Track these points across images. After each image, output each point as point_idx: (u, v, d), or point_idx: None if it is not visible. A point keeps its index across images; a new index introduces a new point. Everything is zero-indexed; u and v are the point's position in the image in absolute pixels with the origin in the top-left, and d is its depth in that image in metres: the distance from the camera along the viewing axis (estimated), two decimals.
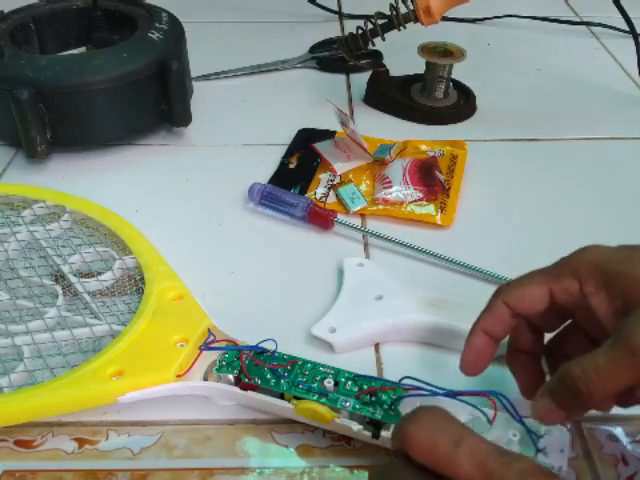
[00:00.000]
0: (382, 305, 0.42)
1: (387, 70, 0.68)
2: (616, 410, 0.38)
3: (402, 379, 0.36)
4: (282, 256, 0.49)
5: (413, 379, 0.36)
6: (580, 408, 0.32)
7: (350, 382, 0.36)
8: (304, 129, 0.62)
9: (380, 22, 0.62)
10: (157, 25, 0.60)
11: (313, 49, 0.75)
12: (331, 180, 0.55)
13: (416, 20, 0.60)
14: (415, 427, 0.28)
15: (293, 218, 0.52)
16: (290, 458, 0.36)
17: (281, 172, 0.57)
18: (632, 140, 0.62)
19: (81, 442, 0.37)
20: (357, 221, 0.52)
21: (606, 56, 0.77)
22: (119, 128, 0.58)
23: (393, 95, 0.66)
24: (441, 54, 0.64)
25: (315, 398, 0.36)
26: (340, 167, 0.56)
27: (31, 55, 0.58)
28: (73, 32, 0.67)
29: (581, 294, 0.33)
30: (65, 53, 0.67)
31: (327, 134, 0.61)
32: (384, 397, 0.35)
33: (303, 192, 0.54)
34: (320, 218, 0.51)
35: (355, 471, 0.36)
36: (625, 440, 0.37)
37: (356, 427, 0.35)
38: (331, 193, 0.54)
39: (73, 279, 0.44)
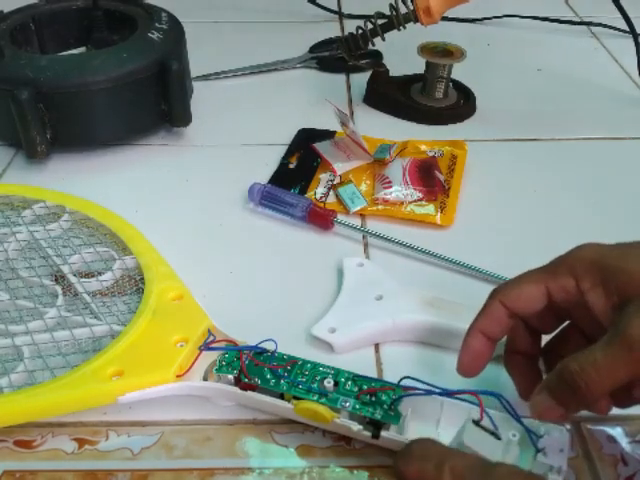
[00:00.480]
0: (382, 305, 0.42)
1: (387, 70, 0.68)
2: (616, 410, 0.38)
3: (402, 379, 0.36)
4: (282, 256, 0.49)
5: (413, 379, 0.36)
6: (578, 404, 0.32)
7: (350, 382, 0.36)
8: (304, 129, 0.62)
9: (380, 22, 0.62)
10: (157, 25, 0.60)
11: (313, 49, 0.75)
12: (331, 180, 0.55)
13: (416, 20, 0.60)
14: (404, 461, 0.31)
15: (293, 218, 0.52)
16: (290, 458, 0.36)
17: (281, 172, 0.57)
18: (632, 140, 0.62)
19: (81, 442, 0.37)
20: (357, 221, 0.52)
21: (606, 56, 0.77)
22: (119, 128, 0.58)
23: (393, 95, 0.66)
24: (441, 54, 0.64)
25: (315, 398, 0.36)
26: (340, 167, 0.56)
27: (31, 55, 0.58)
28: (73, 32, 0.67)
29: (578, 291, 0.33)
30: (65, 53, 0.66)
31: (327, 134, 0.61)
32: (384, 397, 0.35)
33: (303, 192, 0.54)
34: (320, 218, 0.51)
35: (355, 471, 0.36)
36: (625, 440, 0.37)
37: (356, 427, 0.35)
38: (331, 193, 0.54)
39: (73, 279, 0.44)
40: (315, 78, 0.72)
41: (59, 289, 0.44)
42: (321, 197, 0.54)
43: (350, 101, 0.68)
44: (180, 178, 0.57)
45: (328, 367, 0.37)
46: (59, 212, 0.50)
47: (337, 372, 0.37)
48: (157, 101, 0.58)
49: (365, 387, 0.36)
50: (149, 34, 0.58)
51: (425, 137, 0.60)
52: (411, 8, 0.60)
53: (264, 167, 0.57)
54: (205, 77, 0.71)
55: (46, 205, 0.50)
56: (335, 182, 0.55)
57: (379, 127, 0.63)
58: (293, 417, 0.37)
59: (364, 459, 0.36)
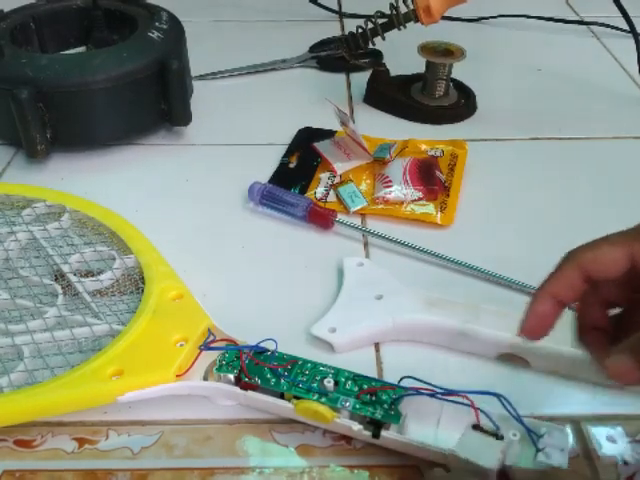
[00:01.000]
0: (382, 305, 0.42)
1: (387, 70, 0.68)
2: (616, 410, 0.38)
3: (402, 378, 0.36)
4: (282, 256, 0.49)
5: (413, 379, 0.36)
6: None
7: (350, 382, 0.36)
8: (304, 129, 0.62)
9: (380, 21, 0.62)
10: (157, 24, 0.60)
11: (313, 48, 0.75)
12: (331, 180, 0.55)
13: (416, 19, 0.60)
14: None
15: (293, 218, 0.52)
16: (290, 458, 0.36)
17: (281, 172, 0.57)
18: (632, 139, 0.62)
19: (81, 442, 0.37)
20: (357, 221, 0.52)
21: (606, 56, 0.77)
22: (119, 128, 0.58)
23: (393, 95, 0.66)
24: (441, 54, 0.64)
25: (315, 398, 0.36)
26: (340, 167, 0.56)
27: (31, 54, 0.58)
28: (73, 31, 0.67)
29: None
30: (65, 52, 0.66)
31: (327, 134, 0.61)
32: (384, 397, 0.35)
33: (303, 192, 0.54)
34: (320, 218, 0.51)
35: (355, 471, 0.36)
36: (625, 440, 0.37)
37: (356, 427, 0.35)
38: (331, 193, 0.54)
39: (73, 278, 0.44)
40: (315, 77, 0.72)
41: (59, 288, 0.44)
42: (321, 197, 0.54)
43: (350, 100, 0.68)
44: (180, 178, 0.57)
45: (328, 367, 0.37)
46: (59, 211, 0.50)
47: (337, 372, 0.37)
48: (157, 100, 0.58)
49: (365, 387, 0.36)
50: (149, 33, 0.58)
51: (425, 137, 0.60)
52: (411, 7, 0.60)
53: (264, 167, 0.57)
54: (205, 76, 0.71)
55: (46, 204, 0.50)
56: (335, 182, 0.55)
57: (379, 126, 0.63)
58: (293, 417, 0.37)
59: (364, 459, 0.36)
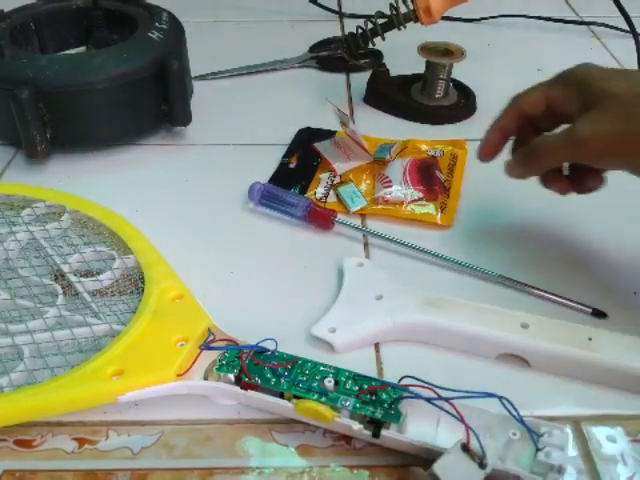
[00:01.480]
0: (382, 305, 0.42)
1: (387, 70, 0.68)
2: (616, 410, 0.38)
3: (402, 378, 0.36)
4: (282, 256, 0.49)
5: (413, 378, 0.36)
6: (533, 168, 0.44)
7: (350, 381, 0.36)
8: (304, 129, 0.62)
9: (380, 22, 0.62)
10: (157, 25, 0.60)
11: (313, 48, 0.75)
12: (331, 180, 0.55)
13: (416, 20, 0.60)
14: None
15: (293, 218, 0.52)
16: (290, 458, 0.36)
17: (281, 172, 0.57)
18: None
19: (81, 442, 0.37)
20: (357, 221, 0.52)
21: (606, 56, 0.77)
22: (119, 128, 0.58)
23: (393, 95, 0.66)
24: (441, 54, 0.64)
25: (315, 397, 0.36)
26: (340, 167, 0.56)
27: (31, 55, 0.58)
28: (73, 32, 0.67)
29: (565, 99, 0.42)
30: (65, 53, 0.66)
31: (327, 134, 0.61)
32: (384, 396, 0.35)
33: (303, 192, 0.54)
34: (320, 218, 0.51)
35: (355, 471, 0.36)
36: (624, 440, 0.37)
37: (356, 426, 0.35)
38: (331, 193, 0.54)
39: (73, 278, 0.44)
40: (315, 78, 0.72)
41: (59, 288, 0.44)
42: (321, 197, 0.54)
43: (350, 101, 0.68)
44: (180, 178, 0.57)
45: (328, 366, 0.37)
46: (59, 211, 0.50)
47: (337, 371, 0.37)
48: (157, 101, 0.58)
49: (365, 386, 0.36)
50: (149, 34, 0.58)
51: (425, 137, 0.60)
52: (411, 8, 0.60)
53: (264, 167, 0.57)
54: (205, 77, 0.71)
55: (46, 205, 0.50)
56: (335, 182, 0.55)
57: (379, 127, 0.63)
58: (293, 416, 0.37)
59: (364, 459, 0.36)
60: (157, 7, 0.63)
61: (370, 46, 0.64)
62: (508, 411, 0.34)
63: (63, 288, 0.44)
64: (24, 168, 0.58)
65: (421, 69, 0.65)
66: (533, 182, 0.50)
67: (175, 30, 0.61)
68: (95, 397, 0.37)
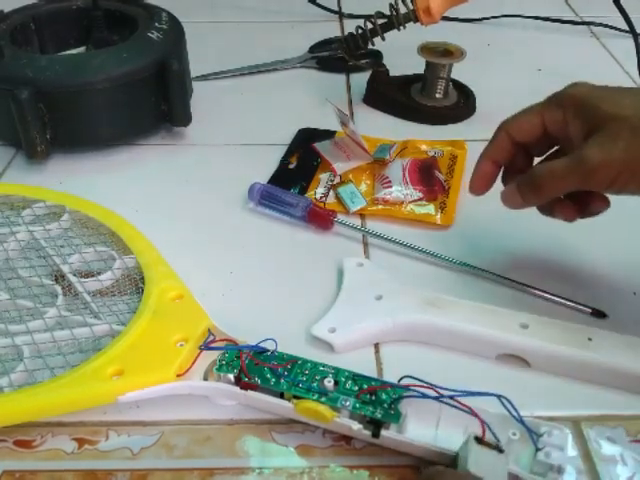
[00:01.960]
0: (382, 305, 0.42)
1: (387, 70, 0.68)
2: (615, 410, 0.38)
3: (402, 378, 0.36)
4: (282, 256, 0.49)
5: (413, 378, 0.36)
6: (535, 198, 0.41)
7: (350, 381, 0.36)
8: (304, 129, 0.62)
9: (380, 22, 0.62)
10: (157, 25, 0.60)
11: (313, 49, 0.75)
12: (331, 180, 0.55)
13: (416, 20, 0.60)
14: None
15: (293, 218, 0.52)
16: (290, 458, 0.36)
17: (281, 172, 0.57)
18: None
19: (81, 442, 0.37)
20: (357, 221, 0.52)
21: (606, 56, 0.77)
22: (119, 128, 0.58)
23: (393, 95, 0.66)
24: (441, 54, 0.64)
25: (315, 397, 0.36)
26: (340, 167, 0.56)
27: (31, 55, 0.58)
28: (73, 32, 0.67)
29: (564, 122, 0.40)
30: (65, 53, 0.66)
31: (327, 134, 0.61)
32: (384, 396, 0.36)
33: (303, 192, 0.54)
34: (320, 218, 0.51)
35: (355, 471, 0.35)
36: (625, 440, 0.37)
37: (356, 426, 0.35)
38: (331, 193, 0.54)
39: (73, 279, 0.44)
40: (315, 78, 0.72)
41: (59, 289, 0.44)
42: (321, 197, 0.54)
43: (350, 101, 0.68)
44: (180, 178, 0.57)
45: (328, 366, 0.37)
46: (59, 212, 0.50)
47: (337, 371, 0.37)
48: (157, 101, 0.58)
49: (365, 386, 0.36)
50: (149, 34, 0.58)
51: (425, 137, 0.60)
52: (411, 8, 0.60)
53: (264, 167, 0.57)
54: (205, 77, 0.71)
55: (46, 205, 0.50)
56: (335, 182, 0.55)
57: (379, 127, 0.63)
58: (293, 416, 0.37)
59: (364, 459, 0.36)
60: (157, 7, 0.64)
61: (370, 46, 0.64)
62: (508, 411, 0.34)
63: (63, 288, 0.44)
64: (24, 168, 0.58)
65: (421, 69, 0.65)
66: None
67: (175, 30, 0.61)
68: (95, 397, 0.37)
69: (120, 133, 0.59)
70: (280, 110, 0.66)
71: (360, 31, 0.63)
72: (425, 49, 0.64)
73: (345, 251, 0.49)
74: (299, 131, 0.62)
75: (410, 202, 0.52)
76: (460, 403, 0.34)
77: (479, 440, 0.32)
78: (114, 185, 0.56)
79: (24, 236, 0.48)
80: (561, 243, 0.50)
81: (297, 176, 0.56)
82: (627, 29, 0.70)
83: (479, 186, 0.45)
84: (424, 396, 0.35)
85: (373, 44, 0.64)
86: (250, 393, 0.37)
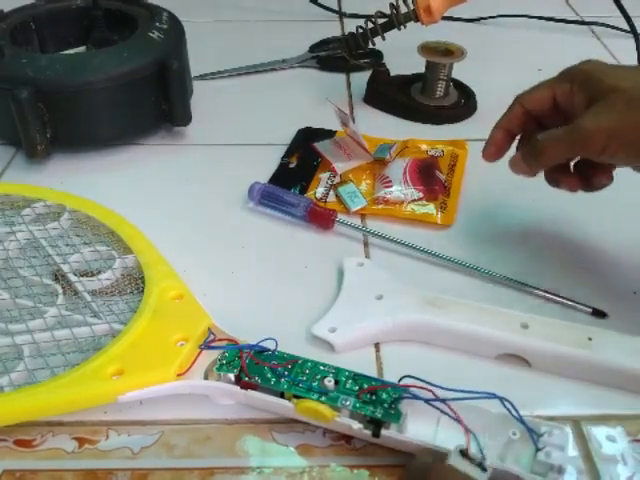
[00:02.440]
0: (382, 305, 0.42)
1: (387, 70, 0.68)
2: (616, 410, 0.38)
3: (402, 378, 0.36)
4: (282, 256, 0.49)
5: (413, 378, 0.36)
6: (538, 164, 0.44)
7: (350, 381, 0.36)
8: (304, 129, 0.62)
9: (380, 21, 0.62)
10: (157, 24, 0.60)
11: (313, 48, 0.75)
12: (331, 180, 0.55)
13: (416, 19, 0.60)
14: None
15: (293, 218, 0.52)
16: (290, 457, 0.36)
17: (281, 172, 0.57)
18: None
19: (81, 442, 0.37)
20: (357, 221, 0.52)
21: (606, 56, 0.77)
22: (119, 128, 0.58)
23: (393, 95, 0.66)
24: (441, 54, 0.64)
25: (315, 397, 0.36)
26: (340, 167, 0.56)
27: (31, 54, 0.58)
28: (73, 31, 0.67)
29: (571, 93, 0.43)
30: (65, 52, 0.66)
31: (327, 134, 0.61)
32: (384, 396, 0.35)
33: (303, 192, 0.54)
34: (320, 218, 0.51)
35: (355, 471, 0.36)
36: (625, 440, 0.37)
37: (356, 426, 0.35)
38: (331, 193, 0.54)
39: (73, 278, 0.44)
40: (315, 77, 0.72)
41: (59, 288, 0.44)
42: (321, 197, 0.54)
43: (350, 100, 0.68)
44: (180, 178, 0.57)
45: (328, 366, 0.37)
46: (59, 211, 0.50)
47: (337, 371, 0.37)
48: (157, 100, 0.58)
49: (365, 386, 0.36)
50: (149, 33, 0.58)
51: (425, 137, 0.60)
52: (411, 7, 0.60)
53: (264, 167, 0.57)
54: (205, 76, 0.71)
55: (46, 204, 0.50)
56: (335, 182, 0.55)
57: (379, 127, 0.63)
58: (293, 416, 0.37)
59: (364, 459, 0.36)
60: (157, 7, 0.64)
61: (370, 46, 0.64)
62: (508, 411, 0.34)
63: (63, 288, 0.44)
64: (24, 168, 0.58)
65: (421, 69, 0.65)
66: (533, 182, 0.51)
67: (175, 30, 0.61)
68: (95, 397, 0.37)
69: (120, 133, 0.59)
70: (280, 110, 0.66)
71: (360, 31, 0.63)
72: (425, 49, 0.64)
73: (345, 251, 0.49)
74: (299, 131, 0.62)
75: (410, 202, 0.52)
76: (453, 411, 0.34)
77: (463, 453, 0.32)
78: (114, 185, 0.56)
79: (24, 235, 0.48)
80: (561, 243, 0.50)
81: (297, 176, 0.56)
82: (628, 29, 0.70)
83: (491, 153, 0.47)
84: (416, 397, 0.35)
85: (374, 44, 0.64)
86: (250, 393, 0.37)
